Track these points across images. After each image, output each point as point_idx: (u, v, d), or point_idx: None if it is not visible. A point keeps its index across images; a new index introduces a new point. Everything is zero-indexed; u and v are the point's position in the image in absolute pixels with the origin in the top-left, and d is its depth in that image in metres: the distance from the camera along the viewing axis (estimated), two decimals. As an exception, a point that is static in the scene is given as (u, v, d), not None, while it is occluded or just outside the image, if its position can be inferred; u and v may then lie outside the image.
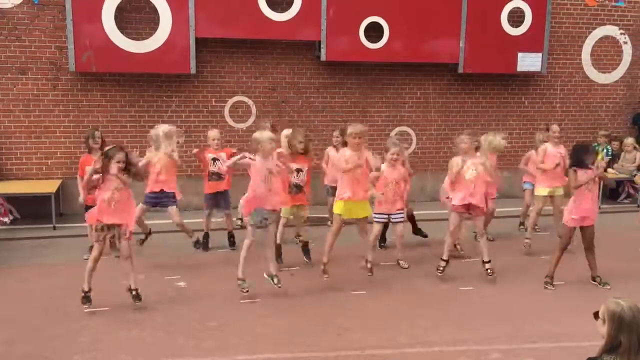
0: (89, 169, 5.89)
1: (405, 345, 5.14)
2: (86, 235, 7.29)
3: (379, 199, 6.66)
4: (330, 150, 8.68)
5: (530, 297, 6.26)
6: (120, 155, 5.59)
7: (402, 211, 7.15)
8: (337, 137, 8.62)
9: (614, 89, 11.50)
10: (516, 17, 10.34)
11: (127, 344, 5.11)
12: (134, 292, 5.79)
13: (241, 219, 8.51)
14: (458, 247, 7.50)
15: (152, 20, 9.12)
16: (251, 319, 5.62)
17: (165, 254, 7.25)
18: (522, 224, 8.79)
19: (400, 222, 7.16)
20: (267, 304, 5.98)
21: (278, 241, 6.29)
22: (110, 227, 5.67)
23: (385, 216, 7.05)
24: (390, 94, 10.50)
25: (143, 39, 9.10)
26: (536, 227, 8.32)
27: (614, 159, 10.76)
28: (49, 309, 5.75)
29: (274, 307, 5.94)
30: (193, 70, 9.28)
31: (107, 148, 5.75)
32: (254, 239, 5.98)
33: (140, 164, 6.60)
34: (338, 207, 6.31)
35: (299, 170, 6.79)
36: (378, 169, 6.62)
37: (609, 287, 6.45)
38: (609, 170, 9.95)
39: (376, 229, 7.04)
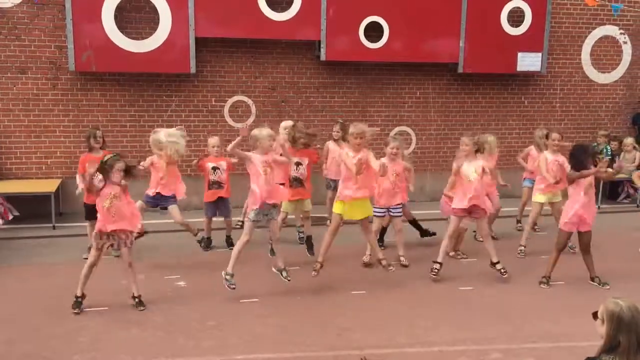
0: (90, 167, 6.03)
1: (405, 345, 5.14)
2: (86, 235, 7.31)
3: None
4: (330, 144, 8.71)
5: (530, 297, 6.27)
6: (120, 164, 5.61)
7: (401, 205, 7.15)
8: (338, 131, 8.66)
9: (614, 89, 11.50)
10: (516, 17, 10.33)
11: (126, 343, 5.12)
12: (136, 300, 5.81)
13: (241, 221, 8.53)
14: (458, 256, 7.49)
15: (151, 20, 9.12)
16: (251, 319, 5.63)
17: (165, 253, 7.25)
18: (519, 221, 8.80)
19: (399, 216, 7.16)
20: (266, 304, 5.98)
21: (277, 236, 6.27)
22: (111, 235, 5.67)
23: (384, 210, 7.05)
24: (389, 93, 10.50)
25: (143, 38, 9.09)
26: (536, 227, 8.33)
27: (613, 158, 10.75)
28: (48, 309, 5.74)
29: (274, 306, 5.94)
30: (193, 70, 9.28)
31: (107, 157, 5.73)
32: (251, 238, 5.98)
33: (143, 164, 6.62)
34: (337, 207, 6.28)
35: (298, 164, 6.78)
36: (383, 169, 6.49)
37: (608, 287, 6.45)
38: (609, 170, 9.93)
39: (376, 224, 7.04)
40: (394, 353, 5.00)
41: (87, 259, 5.87)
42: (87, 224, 7.18)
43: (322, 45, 9.60)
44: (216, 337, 5.25)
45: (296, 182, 6.82)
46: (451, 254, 7.33)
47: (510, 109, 11.08)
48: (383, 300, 6.14)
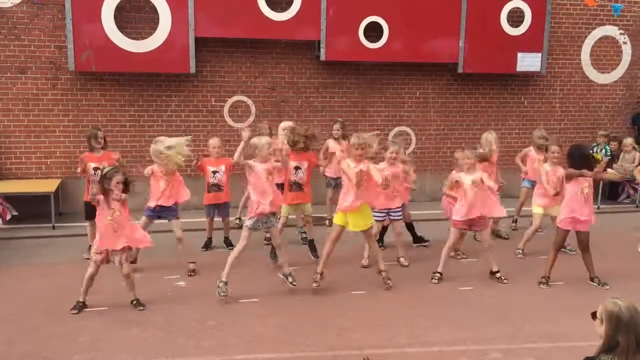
0: (91, 165, 6.20)
1: (405, 345, 5.15)
2: (85, 235, 7.32)
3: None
4: (330, 142, 8.72)
5: (529, 297, 6.27)
6: (119, 177, 5.60)
7: (400, 209, 7.16)
8: (338, 130, 8.67)
9: (613, 89, 11.50)
10: (516, 17, 10.34)
11: (126, 343, 5.12)
12: (134, 302, 5.82)
13: (239, 219, 8.55)
14: (458, 257, 7.50)
15: (151, 20, 9.12)
16: (250, 319, 5.63)
17: (164, 253, 7.24)
18: (515, 221, 8.79)
19: (399, 219, 7.17)
20: (266, 304, 5.99)
21: (279, 242, 6.26)
22: (113, 251, 5.66)
23: (384, 214, 7.06)
24: (389, 93, 10.50)
25: (142, 38, 9.09)
26: (538, 230, 8.33)
27: (613, 159, 10.76)
28: (48, 309, 5.75)
29: (273, 306, 5.94)
30: (192, 70, 9.27)
31: (105, 170, 5.73)
32: (248, 244, 5.98)
33: (145, 172, 6.58)
34: (338, 219, 6.23)
35: (297, 168, 6.78)
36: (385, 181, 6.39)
37: (607, 287, 6.45)
38: (608, 170, 9.94)
39: (375, 228, 7.04)
40: (394, 353, 5.00)
41: (88, 258, 5.87)
42: (87, 223, 7.18)
43: (321, 45, 9.60)
44: (216, 337, 5.25)
45: (295, 186, 6.82)
46: (451, 254, 7.33)
47: (510, 109, 11.08)
48: (383, 300, 6.14)
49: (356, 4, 9.62)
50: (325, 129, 9.92)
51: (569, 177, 6.36)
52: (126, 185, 5.65)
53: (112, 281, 6.09)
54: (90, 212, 6.57)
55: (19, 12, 8.89)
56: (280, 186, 7.09)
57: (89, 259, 5.92)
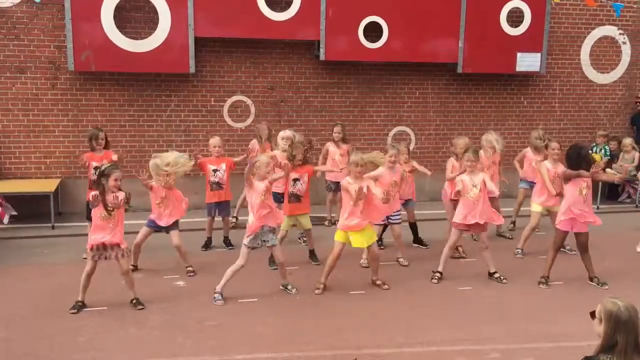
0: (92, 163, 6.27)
1: (404, 345, 5.15)
2: (85, 235, 7.28)
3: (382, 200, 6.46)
4: (329, 146, 8.73)
5: (528, 297, 6.27)
6: (117, 173, 5.60)
7: (399, 212, 7.17)
8: (338, 132, 8.67)
9: (613, 89, 11.51)
10: (515, 17, 10.34)
11: (125, 343, 5.12)
12: (134, 301, 5.82)
13: (235, 218, 8.55)
14: (456, 254, 7.50)
15: (151, 20, 9.11)
16: (250, 319, 5.63)
17: (163, 254, 7.24)
18: (513, 222, 8.79)
19: (398, 223, 7.18)
20: (265, 304, 5.99)
21: (282, 259, 6.28)
22: (107, 247, 5.67)
23: (384, 217, 7.06)
24: (389, 93, 10.50)
25: (142, 38, 9.09)
26: (536, 230, 8.33)
27: (612, 159, 10.77)
28: (47, 309, 5.75)
29: (273, 306, 5.94)
30: (192, 70, 9.27)
31: (103, 167, 5.74)
32: (245, 263, 5.99)
33: (146, 181, 6.56)
34: (340, 236, 6.24)
35: (296, 180, 6.82)
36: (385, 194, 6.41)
37: (607, 287, 6.46)
38: (608, 170, 9.95)
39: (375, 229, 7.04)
40: (393, 353, 5.00)
41: (86, 258, 5.86)
42: (87, 223, 7.17)
43: (321, 45, 9.60)
44: (215, 336, 5.25)
45: (294, 198, 6.86)
46: (455, 254, 7.37)
47: (509, 109, 11.09)
48: (382, 300, 6.14)
49: (356, 4, 9.61)
50: (325, 129, 9.95)
51: (567, 178, 6.37)
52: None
53: (111, 281, 6.10)
54: (91, 211, 6.54)
55: (19, 12, 8.89)
56: (280, 195, 7.09)
57: (86, 258, 5.92)
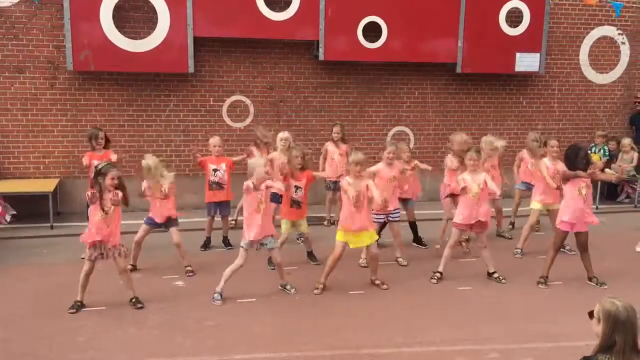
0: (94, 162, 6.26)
1: (403, 345, 5.15)
2: (84, 235, 7.30)
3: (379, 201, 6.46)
4: (329, 145, 8.73)
5: (528, 297, 6.27)
6: (114, 172, 5.61)
7: (398, 210, 7.17)
8: (338, 132, 8.67)
9: (612, 90, 11.51)
10: (514, 17, 10.34)
11: (124, 343, 5.11)
12: (133, 300, 5.81)
13: (235, 220, 8.54)
14: (464, 244, 7.53)
15: (150, 19, 9.11)
16: (249, 318, 5.63)
17: (163, 253, 7.24)
18: (512, 223, 8.80)
19: (397, 221, 7.18)
20: (264, 304, 5.99)
21: (279, 261, 6.27)
22: (105, 246, 5.66)
23: (383, 216, 7.07)
24: (388, 93, 10.50)
25: (141, 38, 9.08)
26: (536, 228, 8.34)
27: (611, 159, 10.78)
28: (46, 308, 5.74)
29: (272, 306, 5.94)
30: (191, 70, 9.26)
31: (99, 165, 5.74)
32: (243, 264, 5.99)
33: (143, 186, 6.56)
34: (340, 235, 6.24)
35: (297, 188, 6.84)
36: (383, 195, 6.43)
37: (605, 287, 6.46)
38: (607, 170, 9.95)
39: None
40: (392, 353, 5.00)
41: (84, 258, 5.86)
42: (86, 223, 7.16)
43: (320, 45, 9.60)
44: (214, 336, 5.25)
45: (295, 204, 6.88)
46: (466, 249, 7.53)
47: (508, 109, 11.09)
48: (381, 300, 6.14)
49: (355, 4, 9.61)
50: (324, 129, 9.94)
51: (565, 178, 6.37)
52: (120, 184, 5.67)
53: (110, 281, 6.09)
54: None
55: (17, 12, 8.88)
56: (279, 197, 7.07)
57: (84, 258, 5.92)
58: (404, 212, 7.65)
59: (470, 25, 10.08)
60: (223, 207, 7.69)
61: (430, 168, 7.65)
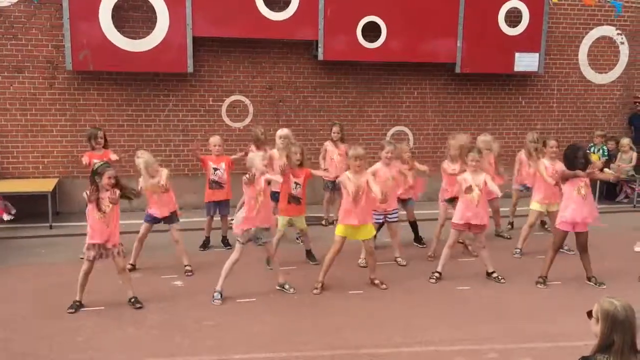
0: (94, 161, 6.16)
1: (402, 345, 5.15)
2: (84, 234, 7.26)
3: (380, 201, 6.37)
4: (328, 145, 8.73)
5: (526, 297, 6.28)
6: (111, 171, 5.61)
7: (396, 210, 7.18)
8: (337, 132, 8.67)
9: (611, 90, 11.52)
10: (513, 17, 10.35)
11: (123, 342, 5.11)
12: (132, 300, 5.81)
13: (232, 219, 8.53)
14: (466, 242, 7.55)
15: (149, 19, 9.11)
16: (248, 318, 5.63)
17: (161, 253, 7.24)
18: (510, 224, 8.80)
19: (395, 221, 7.18)
20: (263, 303, 5.99)
21: (271, 253, 6.28)
22: (103, 245, 5.67)
23: (382, 216, 7.07)
24: (387, 93, 10.51)
25: (140, 37, 9.08)
26: (546, 226, 8.37)
27: (610, 159, 10.79)
28: (46, 308, 5.74)
29: (271, 306, 5.94)
30: (190, 69, 9.27)
31: (97, 165, 5.74)
32: (240, 257, 5.99)
33: (140, 183, 6.57)
34: (340, 230, 6.25)
35: (297, 184, 6.84)
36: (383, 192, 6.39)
37: (604, 287, 6.47)
38: (606, 170, 9.96)
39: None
40: (391, 352, 5.00)
41: (83, 258, 5.85)
42: (85, 223, 7.15)
43: (319, 45, 9.60)
44: (213, 336, 5.25)
45: (294, 200, 6.88)
46: (470, 247, 7.53)
47: (507, 109, 11.10)
48: (380, 300, 6.14)
49: (354, 4, 9.62)
50: (323, 129, 9.94)
51: (564, 178, 6.38)
52: (117, 183, 5.67)
53: (109, 281, 6.09)
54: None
55: (16, 11, 8.88)
56: (277, 194, 7.07)
57: (83, 257, 5.92)
58: (404, 212, 7.65)
59: (470, 25, 10.08)
60: (222, 206, 7.69)
61: (428, 170, 7.59)
